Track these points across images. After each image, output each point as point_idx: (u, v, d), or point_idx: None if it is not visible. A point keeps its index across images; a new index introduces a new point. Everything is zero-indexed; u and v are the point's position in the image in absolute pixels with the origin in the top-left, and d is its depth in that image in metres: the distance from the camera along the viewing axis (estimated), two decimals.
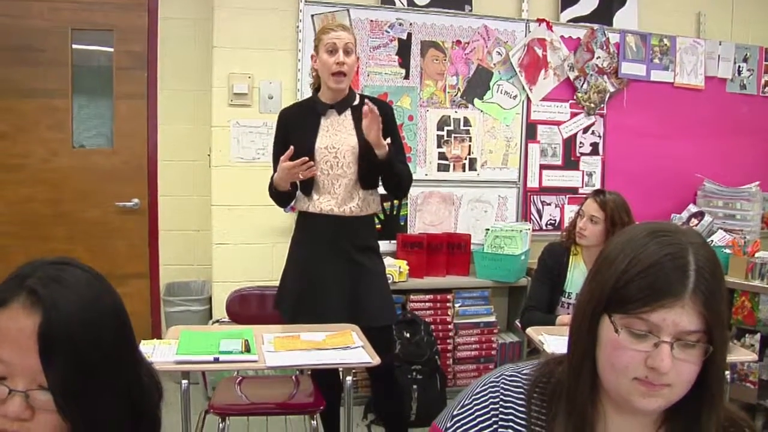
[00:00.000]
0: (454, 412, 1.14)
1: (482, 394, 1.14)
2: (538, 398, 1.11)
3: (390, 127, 2.96)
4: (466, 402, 1.14)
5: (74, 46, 4.35)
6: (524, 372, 1.15)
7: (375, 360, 2.44)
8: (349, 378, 2.55)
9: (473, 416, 1.12)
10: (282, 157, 2.77)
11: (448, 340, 4.16)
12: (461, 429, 1.12)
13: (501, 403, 1.12)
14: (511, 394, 1.13)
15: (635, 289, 0.99)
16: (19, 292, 0.95)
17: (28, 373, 0.93)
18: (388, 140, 2.80)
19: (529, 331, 2.91)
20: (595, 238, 3.12)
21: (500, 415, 1.11)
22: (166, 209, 4.49)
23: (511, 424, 1.11)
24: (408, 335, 3.86)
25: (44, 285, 0.95)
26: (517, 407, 1.11)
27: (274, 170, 3.02)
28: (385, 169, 2.87)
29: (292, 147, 2.75)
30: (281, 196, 2.96)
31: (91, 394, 0.95)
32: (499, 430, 1.11)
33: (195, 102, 4.38)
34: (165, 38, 4.38)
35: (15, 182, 4.31)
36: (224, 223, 4.13)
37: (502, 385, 1.14)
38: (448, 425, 1.14)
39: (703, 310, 0.97)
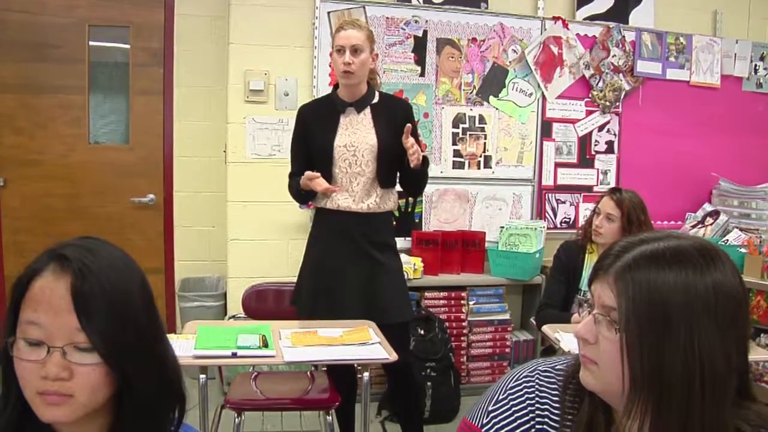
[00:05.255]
0: (489, 408, 1.14)
1: (518, 388, 1.14)
2: (572, 393, 1.11)
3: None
4: (500, 397, 1.14)
5: (91, 43, 4.37)
6: (557, 368, 1.15)
7: (392, 356, 2.44)
8: (366, 374, 2.56)
9: (510, 411, 1.12)
10: (310, 174, 2.83)
11: (462, 338, 4.17)
12: (499, 424, 1.12)
13: (537, 398, 1.12)
14: (546, 388, 1.13)
15: None
16: (50, 261, 1.00)
17: (64, 333, 0.97)
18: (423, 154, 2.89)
19: (545, 329, 2.91)
20: (611, 236, 3.11)
21: (537, 410, 1.11)
22: (181, 205, 4.51)
23: (546, 419, 1.11)
24: (422, 332, 3.87)
25: (73, 252, 1.01)
26: (552, 402, 1.12)
27: (293, 166, 3.05)
28: (418, 174, 2.95)
29: (319, 174, 2.83)
30: (306, 195, 2.99)
31: (130, 350, 1.00)
32: (536, 425, 1.11)
33: (211, 98, 4.39)
34: (181, 35, 4.39)
35: (32, 177, 4.34)
36: (239, 220, 4.14)
37: (537, 380, 1.14)
38: (485, 421, 1.13)
39: (616, 290, 1.01)
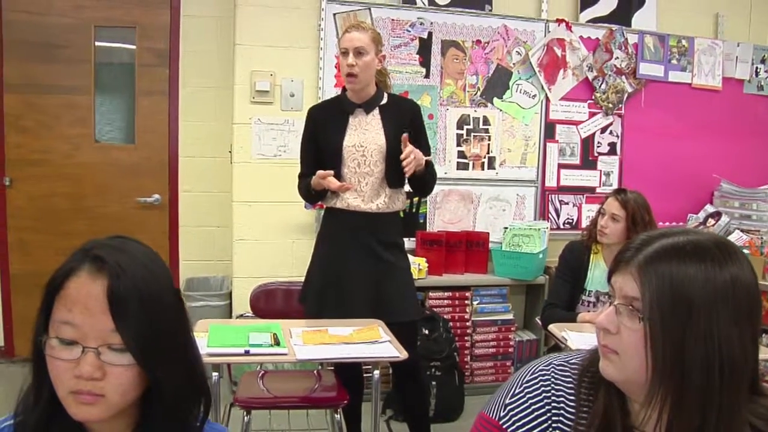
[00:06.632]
0: (506, 401, 1.16)
1: (533, 382, 1.16)
2: (587, 386, 1.14)
3: (418, 127, 3.01)
4: (517, 391, 1.16)
5: (97, 43, 4.39)
6: (572, 362, 1.18)
7: (403, 354, 2.47)
8: (376, 372, 2.59)
9: (527, 404, 1.15)
10: (322, 173, 2.85)
11: (466, 338, 4.19)
12: (516, 417, 1.14)
13: (553, 391, 1.15)
14: (562, 382, 1.15)
15: None
16: (85, 261, 1.02)
17: (99, 334, 0.99)
18: (426, 158, 2.91)
19: (552, 327, 2.94)
20: (616, 237, 3.13)
21: (552, 403, 1.14)
22: (186, 205, 4.52)
23: (562, 411, 1.13)
24: (427, 332, 3.89)
25: (108, 253, 1.02)
26: (567, 396, 1.14)
27: (302, 166, 3.07)
28: (421, 178, 2.97)
29: (332, 171, 2.86)
30: (317, 195, 3.02)
31: (162, 351, 1.02)
32: (552, 417, 1.13)
33: (216, 99, 4.41)
34: (187, 35, 4.41)
35: (37, 177, 4.35)
36: (245, 220, 4.16)
37: (552, 374, 1.16)
38: (502, 414, 1.16)
39: (639, 281, 1.04)
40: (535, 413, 1.14)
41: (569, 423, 1.13)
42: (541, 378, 1.16)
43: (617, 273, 1.10)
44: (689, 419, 1.00)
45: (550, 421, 1.13)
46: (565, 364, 1.18)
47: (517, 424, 1.14)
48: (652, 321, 1.02)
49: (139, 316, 0.99)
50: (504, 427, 1.15)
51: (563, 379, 1.16)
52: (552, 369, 1.17)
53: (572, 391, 1.14)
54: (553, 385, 1.15)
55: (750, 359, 1.03)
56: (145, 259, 1.06)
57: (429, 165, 2.96)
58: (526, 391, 1.16)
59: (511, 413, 1.15)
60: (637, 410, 1.09)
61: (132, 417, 1.08)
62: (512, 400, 1.16)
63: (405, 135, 2.82)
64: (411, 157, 2.80)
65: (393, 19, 4.18)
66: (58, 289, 1.01)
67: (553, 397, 1.14)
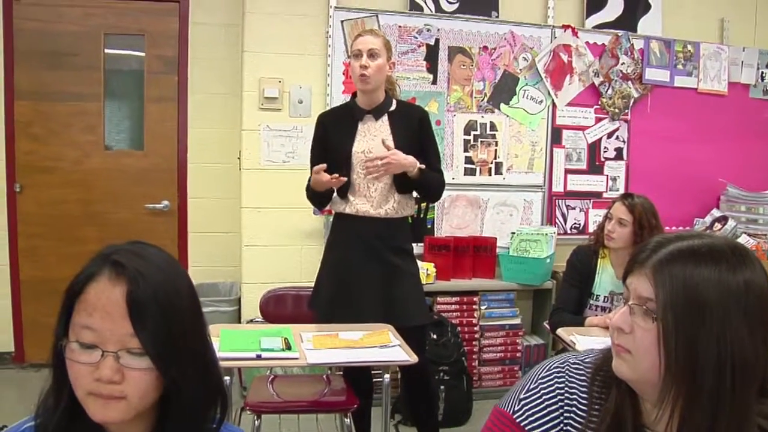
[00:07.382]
0: (521, 396, 1.19)
1: (548, 378, 1.19)
2: (599, 384, 1.16)
3: (426, 133, 3.03)
4: (531, 386, 1.19)
5: (106, 51, 4.44)
6: (586, 360, 1.21)
7: (413, 358, 2.48)
8: (386, 376, 2.60)
9: (541, 399, 1.18)
10: (315, 168, 2.86)
11: (473, 342, 4.21)
12: (530, 411, 1.17)
13: (566, 387, 1.17)
14: (575, 379, 1.18)
15: None
16: (105, 266, 1.04)
17: (118, 338, 1.01)
18: (419, 166, 2.92)
19: (560, 331, 2.95)
20: (623, 241, 3.14)
21: (566, 399, 1.17)
22: (195, 211, 4.55)
23: (574, 408, 1.16)
24: (435, 337, 3.91)
25: (127, 259, 1.04)
26: (580, 393, 1.17)
27: (311, 172, 3.09)
28: (416, 184, 2.99)
29: (324, 165, 2.85)
30: (320, 198, 3.03)
31: (179, 354, 1.04)
32: (565, 413, 1.16)
33: (225, 105, 4.45)
34: (196, 43, 4.45)
35: (47, 184, 4.39)
36: (254, 225, 4.18)
37: (567, 371, 1.19)
38: (516, 408, 1.18)
39: (654, 281, 1.06)
40: (548, 408, 1.17)
41: (581, 420, 1.15)
42: (555, 375, 1.19)
43: (632, 274, 1.12)
44: (700, 419, 1.02)
45: (562, 417, 1.16)
46: (580, 363, 1.21)
47: (531, 419, 1.17)
48: (665, 321, 1.04)
49: (158, 321, 1.01)
50: (517, 420, 1.18)
51: (577, 376, 1.19)
52: (567, 366, 1.20)
53: (585, 389, 1.17)
54: (567, 382, 1.18)
55: (761, 361, 1.05)
56: (163, 265, 1.08)
57: (421, 172, 2.96)
58: (540, 386, 1.19)
59: (525, 407, 1.18)
60: (649, 409, 1.11)
61: (150, 419, 1.09)
62: (527, 395, 1.19)
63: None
64: (383, 160, 2.83)
65: (400, 26, 4.20)
66: (78, 294, 1.03)
67: (566, 394, 1.17)
